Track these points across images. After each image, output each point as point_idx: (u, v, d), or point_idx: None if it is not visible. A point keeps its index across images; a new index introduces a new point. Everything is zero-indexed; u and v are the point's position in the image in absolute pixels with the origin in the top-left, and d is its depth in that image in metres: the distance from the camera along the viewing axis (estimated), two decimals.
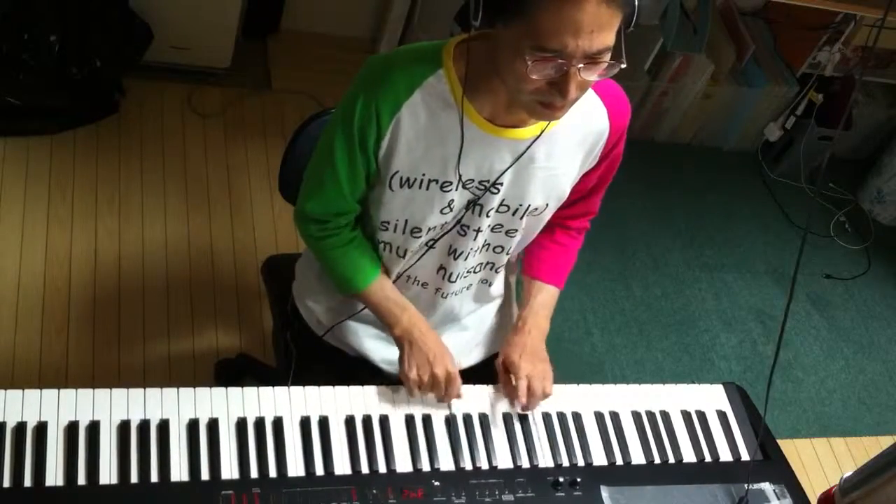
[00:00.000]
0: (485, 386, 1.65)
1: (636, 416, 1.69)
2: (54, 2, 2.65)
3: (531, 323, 1.70)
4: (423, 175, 1.48)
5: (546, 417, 1.63)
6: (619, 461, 1.61)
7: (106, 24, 2.76)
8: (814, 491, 1.82)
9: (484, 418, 1.59)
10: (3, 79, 2.66)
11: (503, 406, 1.63)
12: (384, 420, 1.54)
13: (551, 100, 1.31)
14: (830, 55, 3.38)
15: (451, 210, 1.53)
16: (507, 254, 1.67)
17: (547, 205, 1.58)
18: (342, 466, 1.47)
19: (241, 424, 1.47)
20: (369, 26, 3.51)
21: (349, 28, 3.51)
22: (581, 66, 1.26)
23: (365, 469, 1.47)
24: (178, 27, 2.95)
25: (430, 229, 1.56)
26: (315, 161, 1.57)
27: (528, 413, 1.63)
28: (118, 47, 2.81)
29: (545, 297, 1.73)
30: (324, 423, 1.51)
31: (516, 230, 1.61)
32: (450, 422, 1.57)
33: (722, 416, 1.74)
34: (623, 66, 1.29)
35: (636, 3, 1.26)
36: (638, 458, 1.63)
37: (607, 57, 1.27)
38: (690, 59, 3.38)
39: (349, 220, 1.61)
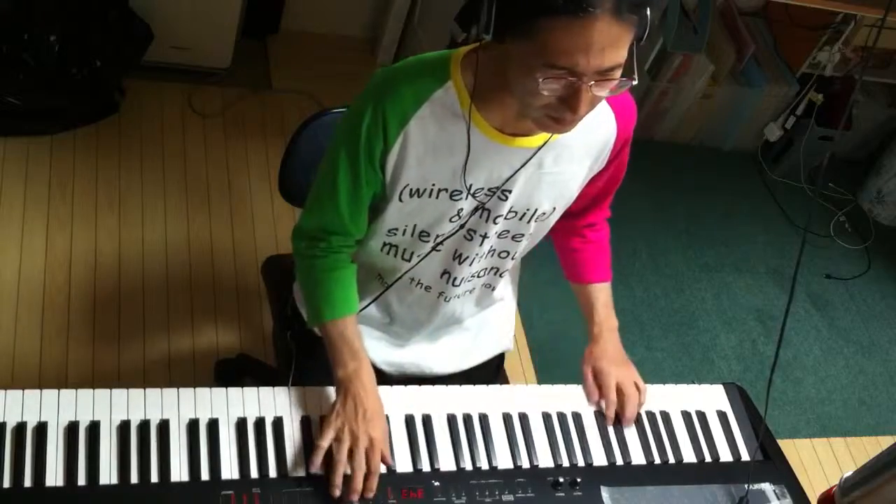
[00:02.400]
0: (485, 386, 1.65)
1: (636, 416, 1.69)
2: (54, 2, 2.65)
3: (606, 327, 1.73)
4: (433, 185, 1.48)
5: (546, 417, 1.63)
6: (619, 461, 1.61)
7: (106, 24, 2.76)
8: (814, 491, 1.82)
9: (484, 418, 1.59)
10: (3, 79, 2.66)
11: (503, 406, 1.62)
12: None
13: (561, 115, 1.30)
14: (830, 55, 3.38)
15: (461, 218, 1.53)
16: (513, 258, 1.67)
17: (554, 209, 1.58)
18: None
19: (241, 424, 1.47)
20: (369, 26, 3.51)
21: (349, 28, 3.51)
22: (592, 83, 1.25)
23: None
24: (178, 27, 2.96)
25: (438, 235, 1.56)
26: (317, 178, 1.55)
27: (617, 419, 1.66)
28: (118, 47, 2.82)
29: (604, 296, 1.76)
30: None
31: (523, 235, 1.61)
32: (450, 422, 1.57)
33: (722, 416, 1.74)
34: (635, 82, 1.28)
35: (648, 17, 1.25)
36: (638, 458, 1.63)
37: (619, 73, 1.26)
38: (690, 59, 3.38)
39: (341, 244, 1.57)
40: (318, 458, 1.43)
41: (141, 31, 2.86)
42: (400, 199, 1.49)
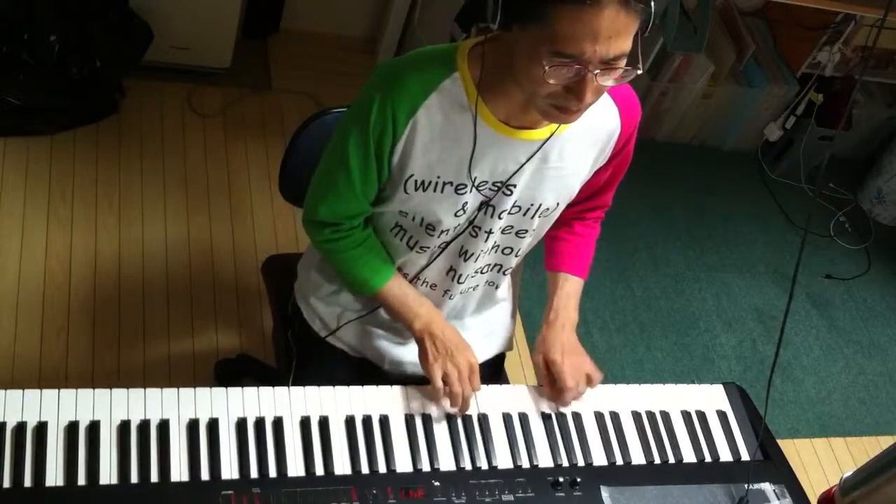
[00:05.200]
0: (485, 386, 1.65)
1: (636, 416, 1.69)
2: (54, 2, 2.65)
3: (563, 316, 1.71)
4: (439, 178, 1.48)
5: (546, 418, 1.63)
6: (619, 461, 1.61)
7: (106, 24, 2.76)
8: (814, 491, 1.82)
9: (484, 418, 1.59)
10: (3, 79, 2.66)
11: (503, 406, 1.63)
12: (384, 420, 1.54)
13: (566, 104, 1.31)
14: (830, 55, 3.38)
15: (465, 212, 1.54)
16: (517, 255, 1.67)
17: (557, 204, 1.59)
18: (342, 466, 1.47)
19: (241, 424, 1.47)
20: (369, 26, 3.51)
21: (349, 28, 3.51)
22: (598, 71, 1.26)
23: (365, 469, 1.48)
24: (178, 27, 2.96)
25: (443, 231, 1.56)
26: (326, 165, 1.56)
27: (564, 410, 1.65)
28: (118, 47, 2.82)
29: (572, 287, 1.74)
30: (324, 423, 1.51)
31: (527, 231, 1.61)
32: (450, 422, 1.57)
33: (722, 416, 1.74)
34: (639, 71, 1.29)
35: (652, 8, 1.26)
36: (638, 458, 1.63)
37: (623, 63, 1.28)
38: (690, 59, 3.38)
39: (360, 220, 1.61)
40: (445, 398, 1.58)
41: (141, 31, 2.86)
42: (405, 191, 1.50)
